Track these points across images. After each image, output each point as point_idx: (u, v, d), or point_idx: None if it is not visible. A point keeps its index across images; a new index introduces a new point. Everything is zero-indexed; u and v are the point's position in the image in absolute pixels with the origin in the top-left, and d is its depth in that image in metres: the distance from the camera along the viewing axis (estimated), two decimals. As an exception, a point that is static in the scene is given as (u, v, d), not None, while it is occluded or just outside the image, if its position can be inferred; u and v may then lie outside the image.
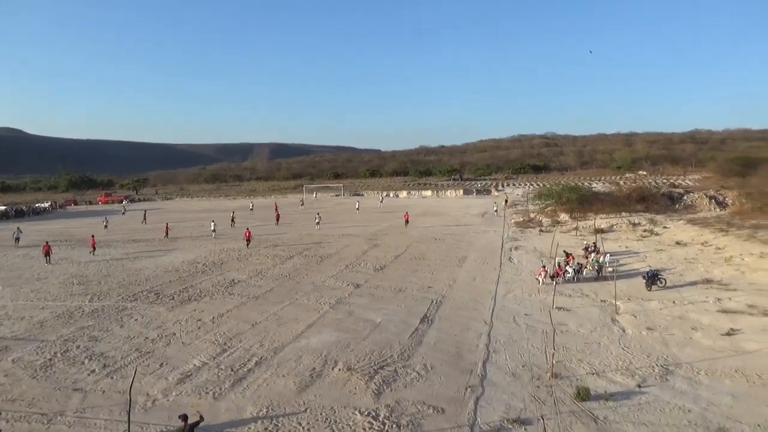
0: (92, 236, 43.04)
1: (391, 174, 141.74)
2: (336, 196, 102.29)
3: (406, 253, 36.69)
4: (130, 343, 20.26)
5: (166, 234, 48.79)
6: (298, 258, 36.04)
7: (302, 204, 79.96)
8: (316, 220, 52.58)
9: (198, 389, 16.10)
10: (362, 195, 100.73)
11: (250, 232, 41.72)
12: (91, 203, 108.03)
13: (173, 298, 26.42)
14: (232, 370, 17.44)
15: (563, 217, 52.12)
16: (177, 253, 39.86)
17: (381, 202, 79.57)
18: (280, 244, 42.51)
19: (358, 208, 67.12)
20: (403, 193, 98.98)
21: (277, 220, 56.56)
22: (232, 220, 57.07)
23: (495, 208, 63.40)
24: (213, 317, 23.12)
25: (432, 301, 24.27)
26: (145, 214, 67.04)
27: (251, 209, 72.46)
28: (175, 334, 21.16)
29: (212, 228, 48.07)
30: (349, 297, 25.47)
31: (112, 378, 17.07)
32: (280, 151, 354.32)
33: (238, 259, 36.13)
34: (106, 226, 56.51)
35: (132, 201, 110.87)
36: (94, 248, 40.32)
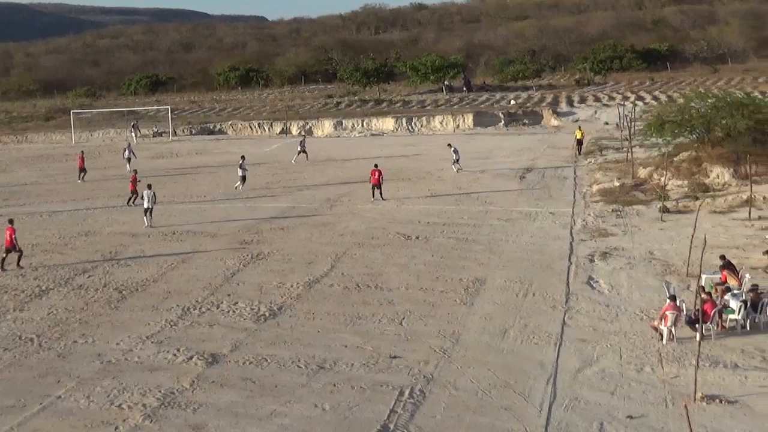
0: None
1: (294, 78, 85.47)
2: (158, 135, 58.34)
3: (333, 273, 22.85)
4: None
5: None
6: (65, 291, 21.49)
7: (130, 156, 41.01)
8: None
9: None
10: (226, 134, 58.29)
11: (13, 230, 22.15)
12: None
13: None
14: None
15: (718, 174, 32.40)
16: None
17: (299, 153, 43.00)
18: (24, 252, 25.42)
19: (242, 178, 33.32)
20: (326, 126, 59.05)
21: (134, 192, 31.72)
22: None
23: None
24: None
25: (399, 393, 14.06)
26: None
27: None
28: None
29: None
30: (191, 390, 14.27)
31: None
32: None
33: None
34: None
35: None
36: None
